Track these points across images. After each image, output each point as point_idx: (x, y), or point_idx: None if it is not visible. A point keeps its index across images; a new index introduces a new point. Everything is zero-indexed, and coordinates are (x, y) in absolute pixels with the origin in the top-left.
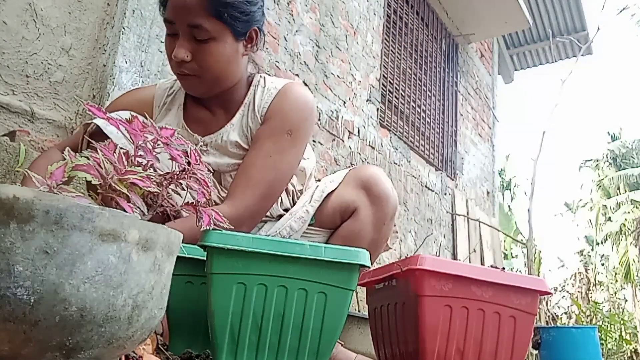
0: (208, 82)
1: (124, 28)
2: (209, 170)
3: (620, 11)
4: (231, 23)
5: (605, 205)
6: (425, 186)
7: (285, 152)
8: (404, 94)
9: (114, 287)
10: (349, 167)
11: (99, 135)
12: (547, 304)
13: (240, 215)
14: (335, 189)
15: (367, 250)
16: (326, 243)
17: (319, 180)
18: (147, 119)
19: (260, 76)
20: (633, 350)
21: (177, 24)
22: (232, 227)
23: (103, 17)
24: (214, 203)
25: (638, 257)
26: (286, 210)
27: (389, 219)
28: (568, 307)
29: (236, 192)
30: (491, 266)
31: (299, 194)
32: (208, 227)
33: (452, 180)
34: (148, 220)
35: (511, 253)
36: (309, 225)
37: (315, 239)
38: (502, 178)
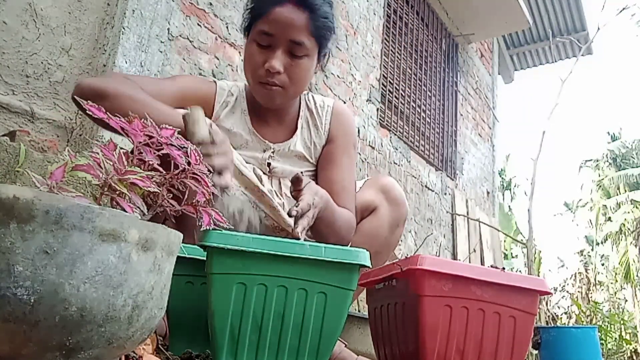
0: (290, 94)
1: (124, 28)
2: (269, 171)
3: (620, 11)
4: (323, 44)
5: (605, 205)
6: (425, 186)
7: (354, 161)
8: (404, 94)
9: (114, 287)
10: None
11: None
12: (547, 304)
13: (354, 222)
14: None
15: (380, 249)
16: None
17: None
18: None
19: (307, 93)
20: (633, 350)
21: (278, 37)
22: (352, 232)
23: (103, 17)
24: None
25: (638, 257)
26: None
27: (402, 223)
28: (568, 307)
29: (347, 203)
30: (491, 266)
31: None
32: (208, 227)
33: (452, 180)
34: (148, 220)
35: (511, 253)
36: None
37: None
38: (502, 178)
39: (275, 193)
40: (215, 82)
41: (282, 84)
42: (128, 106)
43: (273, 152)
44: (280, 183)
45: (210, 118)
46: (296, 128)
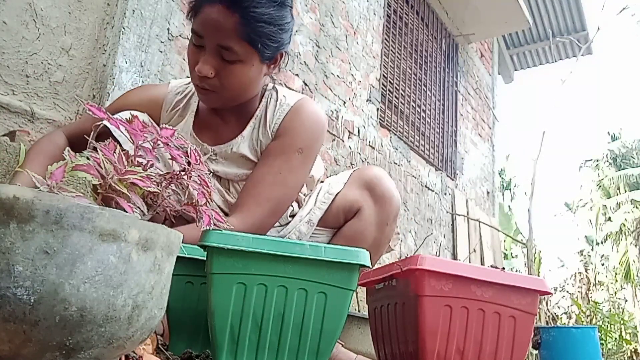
0: (226, 98)
1: (124, 28)
2: (212, 174)
3: (620, 11)
4: (262, 49)
5: (605, 205)
6: (425, 186)
7: (295, 170)
8: (404, 94)
9: (114, 287)
10: (349, 167)
11: (107, 135)
12: (547, 304)
13: (247, 230)
14: (340, 190)
15: (369, 250)
16: (329, 242)
17: (322, 182)
18: (152, 120)
19: (273, 88)
20: (633, 350)
21: (206, 39)
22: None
23: (103, 17)
24: (220, 210)
25: (638, 257)
26: (292, 216)
27: (392, 219)
28: (568, 307)
29: (245, 206)
30: (491, 266)
31: (306, 198)
32: (208, 227)
33: (452, 180)
34: (148, 220)
35: (511, 253)
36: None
37: (319, 238)
38: (502, 178)
39: (223, 193)
40: (168, 85)
41: (213, 88)
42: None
43: (215, 155)
44: (229, 184)
45: (158, 124)
46: (244, 127)
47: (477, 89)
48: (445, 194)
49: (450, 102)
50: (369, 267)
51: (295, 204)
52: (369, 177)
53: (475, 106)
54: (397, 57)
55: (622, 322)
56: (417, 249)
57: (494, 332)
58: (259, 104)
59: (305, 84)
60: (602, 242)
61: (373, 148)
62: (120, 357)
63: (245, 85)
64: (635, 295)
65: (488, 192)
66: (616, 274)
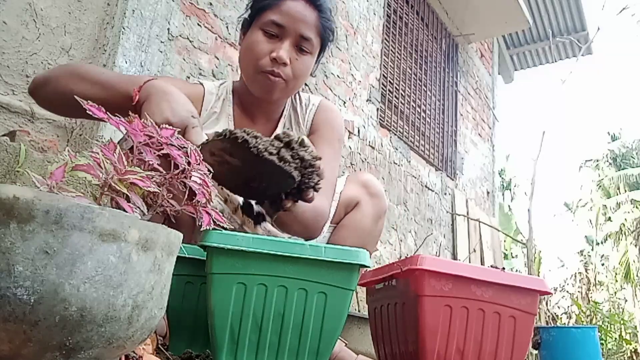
0: (289, 89)
1: (124, 28)
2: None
3: (620, 11)
4: (325, 45)
5: (605, 205)
6: (425, 186)
7: (338, 157)
8: (404, 94)
9: (114, 287)
10: (349, 167)
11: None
12: (547, 304)
13: (327, 212)
14: (342, 189)
15: (367, 239)
16: (331, 233)
17: None
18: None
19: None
20: (633, 350)
21: (288, 29)
22: (321, 221)
23: (103, 17)
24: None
25: (638, 257)
26: None
27: (383, 214)
28: (568, 307)
29: (321, 193)
30: (491, 266)
31: None
32: (208, 227)
33: (452, 180)
34: (148, 220)
35: (511, 253)
36: None
37: (325, 233)
38: (502, 178)
39: None
40: (202, 85)
41: (285, 76)
42: (71, 83)
43: None
44: None
45: None
46: (276, 126)
47: (477, 89)
48: (445, 194)
49: (450, 102)
50: (369, 267)
51: None
52: (364, 179)
53: (475, 106)
54: (397, 57)
55: (622, 322)
56: (417, 249)
57: (494, 332)
58: (285, 105)
59: (305, 84)
60: (602, 242)
61: (373, 148)
62: (120, 357)
63: (306, 77)
64: (635, 295)
65: (488, 192)
66: (616, 274)
